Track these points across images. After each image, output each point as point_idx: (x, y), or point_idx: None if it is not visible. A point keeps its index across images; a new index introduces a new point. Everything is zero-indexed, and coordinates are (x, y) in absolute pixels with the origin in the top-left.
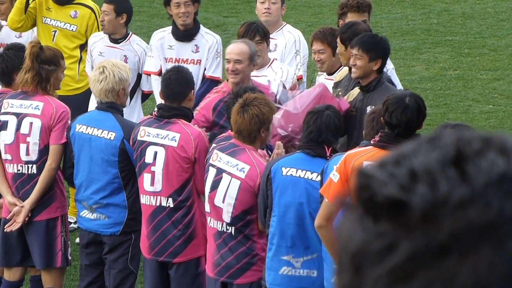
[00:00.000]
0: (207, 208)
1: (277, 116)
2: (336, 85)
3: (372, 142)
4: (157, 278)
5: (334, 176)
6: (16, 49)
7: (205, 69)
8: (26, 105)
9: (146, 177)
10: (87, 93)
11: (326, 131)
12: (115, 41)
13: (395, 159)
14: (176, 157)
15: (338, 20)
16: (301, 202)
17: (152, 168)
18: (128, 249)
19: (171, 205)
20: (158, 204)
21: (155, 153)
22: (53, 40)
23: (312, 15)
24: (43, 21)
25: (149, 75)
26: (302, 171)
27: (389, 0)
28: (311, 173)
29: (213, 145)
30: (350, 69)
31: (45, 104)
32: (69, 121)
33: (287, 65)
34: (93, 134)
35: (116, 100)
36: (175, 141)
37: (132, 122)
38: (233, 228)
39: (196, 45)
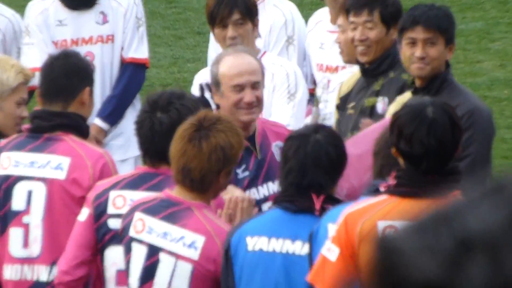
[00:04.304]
0: None
1: None
2: (345, 100)
3: (383, 188)
4: None
5: (330, 252)
6: None
7: (122, 49)
8: None
9: (14, 235)
10: None
11: (314, 169)
12: None
13: (436, 221)
14: (65, 196)
15: None
16: None
17: (25, 219)
18: None
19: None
20: (35, 278)
21: (29, 194)
22: None
23: None
24: None
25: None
26: (277, 240)
27: None
28: (292, 242)
29: (119, 196)
30: (365, 70)
31: None
32: None
33: (287, 61)
34: None
35: None
36: (62, 170)
37: None
38: None
39: (102, 12)
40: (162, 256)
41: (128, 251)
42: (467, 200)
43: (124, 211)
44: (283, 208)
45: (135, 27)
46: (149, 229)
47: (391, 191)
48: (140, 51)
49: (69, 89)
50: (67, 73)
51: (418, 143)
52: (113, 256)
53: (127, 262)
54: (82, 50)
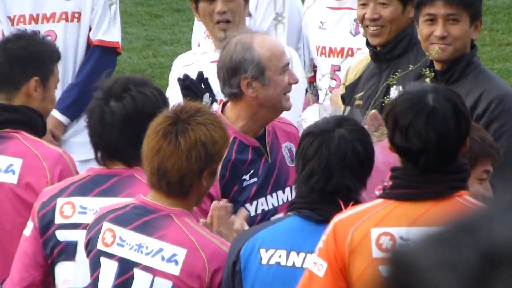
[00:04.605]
0: None
1: None
2: (353, 89)
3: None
4: None
5: (317, 266)
6: None
7: (90, 30)
8: None
9: None
10: None
11: (339, 170)
12: None
13: (458, 232)
14: (16, 204)
15: None
16: None
17: None
18: None
19: None
20: None
21: None
22: None
23: None
24: None
25: None
26: (298, 254)
27: None
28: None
29: (67, 203)
30: (376, 54)
31: None
32: None
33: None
34: None
35: None
36: (14, 173)
37: None
38: None
39: None
40: (136, 272)
41: (96, 267)
42: (493, 208)
43: (73, 220)
44: (304, 217)
45: (106, 5)
46: (120, 241)
47: (386, 193)
48: (110, 33)
49: (12, 79)
50: (10, 60)
51: (416, 136)
52: (65, 272)
53: (95, 279)
54: (42, 28)
